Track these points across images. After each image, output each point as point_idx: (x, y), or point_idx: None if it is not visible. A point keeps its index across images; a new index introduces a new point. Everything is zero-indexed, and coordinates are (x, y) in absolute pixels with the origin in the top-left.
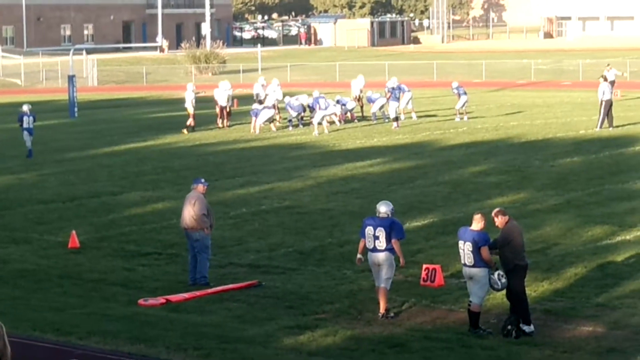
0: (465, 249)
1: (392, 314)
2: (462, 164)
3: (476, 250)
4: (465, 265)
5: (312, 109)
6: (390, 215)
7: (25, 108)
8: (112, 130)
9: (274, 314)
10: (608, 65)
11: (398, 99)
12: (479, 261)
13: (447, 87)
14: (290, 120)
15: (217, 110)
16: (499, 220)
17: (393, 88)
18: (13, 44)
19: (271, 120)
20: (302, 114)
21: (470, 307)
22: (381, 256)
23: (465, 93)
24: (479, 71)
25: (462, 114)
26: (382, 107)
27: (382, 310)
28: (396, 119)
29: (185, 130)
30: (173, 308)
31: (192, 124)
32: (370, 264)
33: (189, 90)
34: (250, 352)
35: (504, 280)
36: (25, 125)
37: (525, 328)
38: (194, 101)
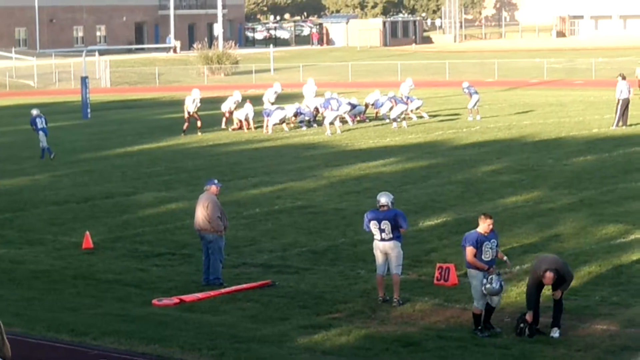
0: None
1: (395, 301)
2: (475, 163)
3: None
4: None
5: (324, 108)
6: (391, 206)
7: (35, 112)
8: (124, 131)
9: (287, 314)
10: None
11: (406, 104)
12: (466, 262)
13: (460, 87)
14: (302, 121)
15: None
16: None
17: (400, 98)
18: (26, 46)
19: (283, 120)
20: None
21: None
22: (389, 245)
23: (476, 92)
24: (492, 70)
25: (474, 113)
26: (391, 107)
27: (396, 296)
28: (395, 120)
29: (199, 133)
30: (187, 308)
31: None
32: (376, 252)
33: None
34: (264, 352)
35: (488, 285)
36: (39, 126)
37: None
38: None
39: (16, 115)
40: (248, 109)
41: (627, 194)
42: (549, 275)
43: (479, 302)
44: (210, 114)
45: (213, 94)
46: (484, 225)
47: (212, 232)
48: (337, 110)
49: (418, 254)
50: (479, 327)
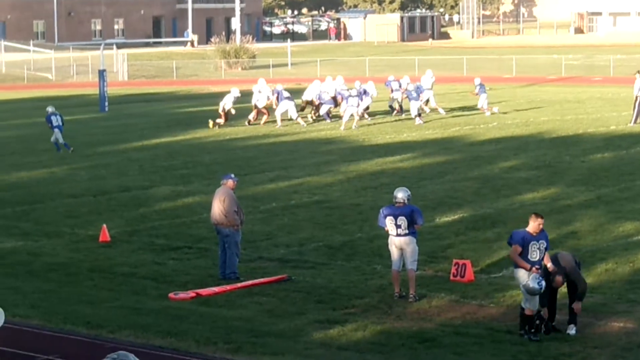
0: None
1: (411, 296)
2: (492, 159)
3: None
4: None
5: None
6: (407, 202)
7: (50, 109)
8: (142, 124)
9: (303, 309)
10: None
11: (418, 98)
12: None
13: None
14: (322, 115)
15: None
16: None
17: (408, 90)
18: (44, 39)
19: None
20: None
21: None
22: (404, 240)
23: (485, 91)
24: (509, 66)
25: (489, 108)
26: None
27: (412, 291)
28: (419, 114)
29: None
30: (203, 302)
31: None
32: (391, 248)
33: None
34: (280, 346)
35: (526, 283)
36: (55, 124)
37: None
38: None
39: (34, 108)
40: (228, 99)
41: None
42: (558, 279)
43: (529, 302)
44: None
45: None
46: (533, 225)
47: (228, 226)
48: (357, 107)
49: (434, 250)
50: (532, 330)
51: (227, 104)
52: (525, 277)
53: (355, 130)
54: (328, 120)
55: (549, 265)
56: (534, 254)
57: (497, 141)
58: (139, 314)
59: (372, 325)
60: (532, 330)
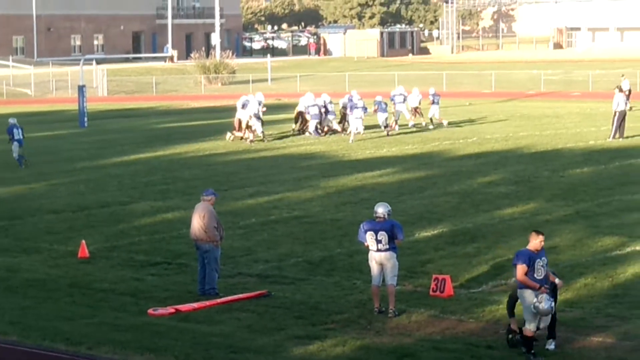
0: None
1: (391, 312)
2: (472, 174)
3: (514, 269)
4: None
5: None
6: (387, 217)
7: (12, 120)
8: (121, 140)
9: (283, 324)
10: (622, 75)
11: (385, 111)
12: (518, 281)
13: (457, 98)
14: (328, 131)
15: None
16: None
17: (380, 102)
18: (23, 54)
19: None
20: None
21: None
22: (385, 255)
23: (437, 102)
24: (489, 81)
25: (435, 120)
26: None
27: (391, 307)
28: (386, 126)
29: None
30: (182, 318)
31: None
32: (371, 263)
33: (254, 100)
34: None
35: (538, 304)
36: (16, 137)
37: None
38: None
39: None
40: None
41: (623, 206)
42: None
43: (531, 323)
44: (210, 123)
45: (209, 104)
46: (535, 242)
47: (208, 242)
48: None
49: (414, 265)
50: (532, 351)
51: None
52: (531, 297)
53: (352, 144)
54: (316, 136)
55: (558, 281)
56: (539, 272)
57: (476, 156)
58: (118, 330)
59: (351, 341)
60: (532, 352)
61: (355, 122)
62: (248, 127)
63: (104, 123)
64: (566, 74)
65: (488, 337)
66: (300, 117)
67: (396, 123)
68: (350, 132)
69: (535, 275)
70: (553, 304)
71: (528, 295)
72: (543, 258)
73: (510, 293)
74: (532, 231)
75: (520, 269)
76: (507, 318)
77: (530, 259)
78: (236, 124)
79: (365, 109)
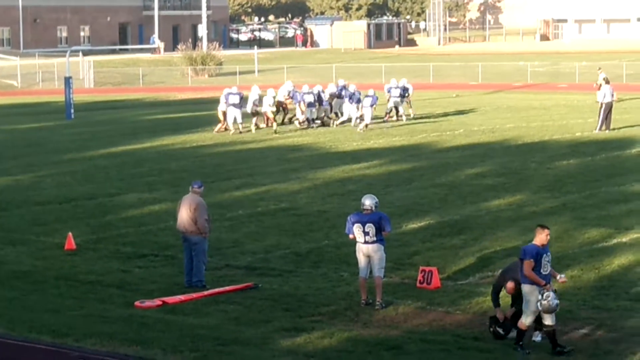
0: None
1: (378, 303)
2: (459, 166)
3: (521, 264)
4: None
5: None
6: (374, 209)
7: None
8: (108, 131)
9: (270, 316)
10: (599, 69)
11: (358, 102)
12: (522, 276)
13: (444, 89)
14: (314, 119)
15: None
16: None
17: (349, 91)
18: (9, 46)
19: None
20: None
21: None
22: (372, 247)
23: (405, 96)
24: (476, 73)
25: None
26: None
27: (378, 299)
28: (349, 120)
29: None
30: (169, 310)
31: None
32: (359, 255)
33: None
34: (247, 354)
35: (544, 302)
36: None
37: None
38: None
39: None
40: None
41: (609, 198)
42: (510, 285)
43: (529, 318)
44: (197, 114)
45: (196, 95)
46: (541, 237)
47: (197, 234)
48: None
49: (401, 257)
50: (521, 343)
51: (263, 105)
52: (535, 293)
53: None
54: (305, 126)
55: (560, 277)
56: (546, 268)
57: (463, 148)
58: (104, 322)
59: (338, 333)
60: (521, 343)
61: (366, 111)
62: (263, 114)
63: (91, 115)
64: (553, 65)
65: (475, 329)
66: (281, 108)
67: (389, 115)
68: (351, 121)
69: (541, 271)
70: (558, 301)
71: (532, 290)
72: (548, 253)
73: (494, 283)
74: (537, 226)
75: (528, 264)
76: (493, 309)
77: (537, 254)
78: (221, 117)
79: (376, 97)
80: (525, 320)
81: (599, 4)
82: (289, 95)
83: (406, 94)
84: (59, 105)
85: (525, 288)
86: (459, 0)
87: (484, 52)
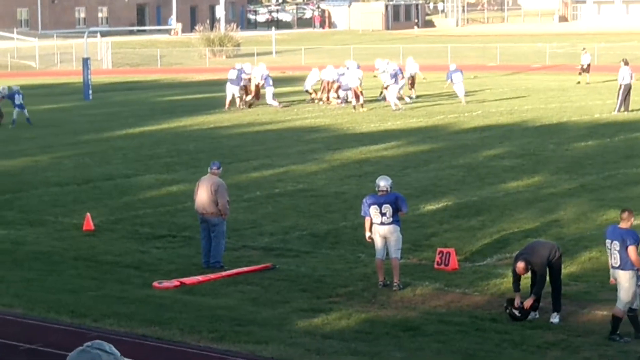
0: (612, 248)
1: (395, 285)
2: (477, 147)
3: (623, 250)
4: (612, 266)
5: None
6: (390, 190)
7: (14, 88)
8: (126, 113)
9: (287, 297)
10: (584, 49)
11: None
12: (625, 263)
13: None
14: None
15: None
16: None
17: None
18: (28, 27)
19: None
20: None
21: (613, 309)
22: (389, 228)
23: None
24: (494, 55)
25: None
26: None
27: (396, 280)
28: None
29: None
30: (187, 291)
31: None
32: (375, 236)
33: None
34: (264, 335)
35: None
36: (17, 102)
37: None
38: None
39: None
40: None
41: (628, 179)
42: (520, 265)
43: (627, 305)
44: (214, 96)
45: (214, 77)
46: (628, 222)
47: (217, 215)
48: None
49: (419, 238)
50: (618, 332)
51: (256, 77)
52: (635, 279)
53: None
54: (343, 104)
55: (520, 265)
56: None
57: (481, 129)
58: (122, 303)
59: (356, 314)
60: (618, 332)
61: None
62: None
63: (109, 96)
64: (571, 47)
65: (492, 310)
66: (255, 89)
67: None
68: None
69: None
70: None
71: (632, 276)
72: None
73: (513, 268)
74: (625, 210)
75: (634, 249)
76: (512, 292)
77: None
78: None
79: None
80: (623, 306)
81: None
82: (261, 78)
83: (400, 76)
84: (77, 86)
85: (627, 275)
86: None
87: (502, 34)
